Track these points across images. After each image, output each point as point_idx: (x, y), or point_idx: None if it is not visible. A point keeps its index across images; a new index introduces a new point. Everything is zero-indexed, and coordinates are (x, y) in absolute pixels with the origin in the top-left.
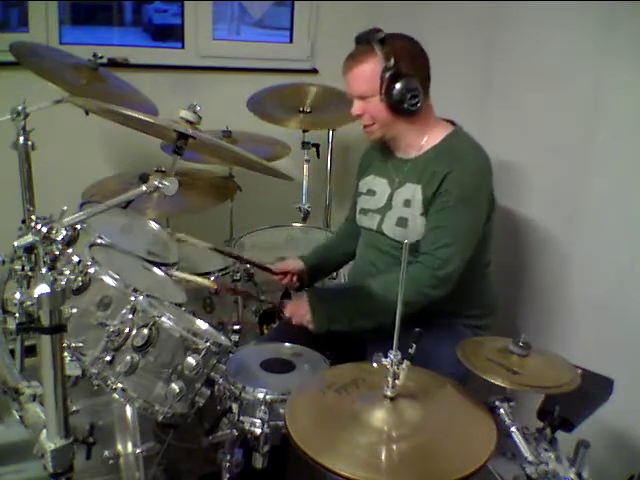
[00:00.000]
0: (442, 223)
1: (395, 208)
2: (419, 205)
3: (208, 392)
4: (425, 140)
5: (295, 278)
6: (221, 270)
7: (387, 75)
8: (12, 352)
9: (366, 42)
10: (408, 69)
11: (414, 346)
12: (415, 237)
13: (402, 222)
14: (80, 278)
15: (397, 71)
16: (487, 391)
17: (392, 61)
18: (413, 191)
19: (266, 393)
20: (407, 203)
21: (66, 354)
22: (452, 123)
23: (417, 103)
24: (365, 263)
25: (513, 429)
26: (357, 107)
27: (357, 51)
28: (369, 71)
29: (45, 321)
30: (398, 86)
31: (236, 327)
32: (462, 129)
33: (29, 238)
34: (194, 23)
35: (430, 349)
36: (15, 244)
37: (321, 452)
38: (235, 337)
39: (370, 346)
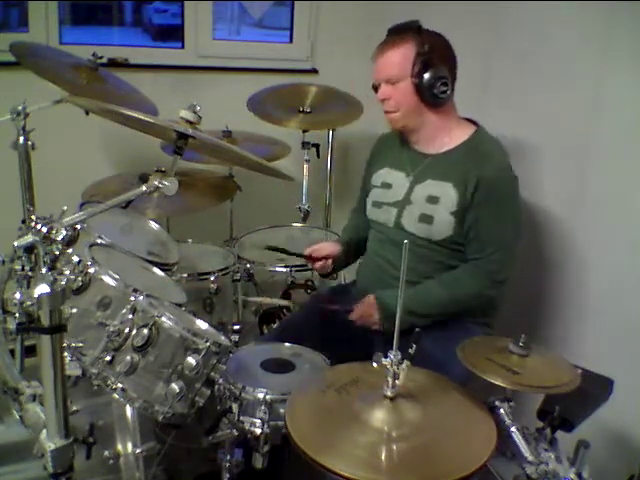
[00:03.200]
0: (491, 229)
1: (416, 203)
2: (451, 204)
3: (208, 392)
4: (447, 137)
5: (330, 262)
6: (221, 270)
7: (421, 59)
8: (12, 352)
9: (402, 31)
10: (440, 60)
11: (414, 346)
12: (438, 235)
13: (426, 219)
14: (80, 278)
15: (430, 58)
16: (487, 391)
17: (427, 48)
18: (443, 189)
19: (266, 393)
20: (433, 200)
21: (66, 354)
22: (474, 123)
23: (446, 92)
24: (380, 260)
25: (513, 429)
26: (384, 91)
27: (392, 37)
28: (402, 55)
29: (45, 321)
30: (430, 71)
31: (236, 327)
32: (484, 129)
33: (29, 238)
34: (194, 23)
35: (444, 347)
36: (15, 244)
37: (321, 452)
38: (235, 337)
39: (377, 347)
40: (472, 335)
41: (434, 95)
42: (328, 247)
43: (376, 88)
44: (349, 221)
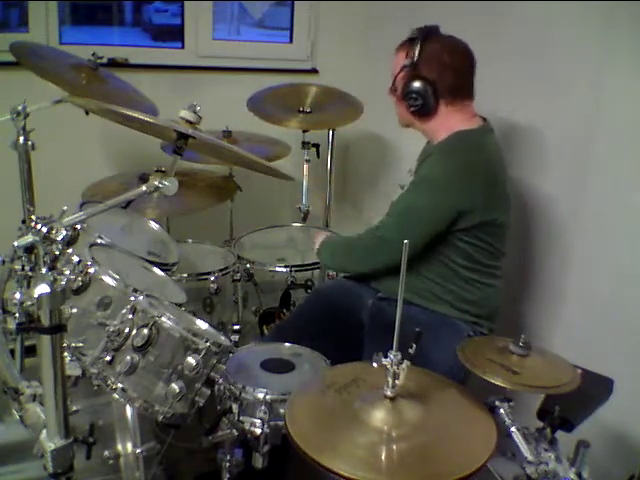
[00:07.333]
0: (399, 197)
1: None
2: None
3: (208, 392)
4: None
5: None
6: (221, 270)
7: (404, 72)
8: (12, 352)
9: (407, 39)
10: (428, 73)
11: (414, 346)
12: None
13: None
14: (80, 278)
15: (410, 71)
16: (487, 391)
17: (411, 61)
18: None
19: (266, 393)
20: None
21: (66, 354)
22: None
23: (416, 106)
24: None
25: (513, 429)
26: (390, 91)
27: (402, 41)
28: (396, 63)
29: (45, 321)
30: (405, 84)
31: (236, 327)
32: (479, 129)
33: (29, 238)
34: (194, 23)
35: (428, 340)
36: (15, 244)
37: (321, 452)
38: (235, 337)
39: (368, 345)
40: (458, 331)
41: (409, 106)
42: None
43: None
44: None
